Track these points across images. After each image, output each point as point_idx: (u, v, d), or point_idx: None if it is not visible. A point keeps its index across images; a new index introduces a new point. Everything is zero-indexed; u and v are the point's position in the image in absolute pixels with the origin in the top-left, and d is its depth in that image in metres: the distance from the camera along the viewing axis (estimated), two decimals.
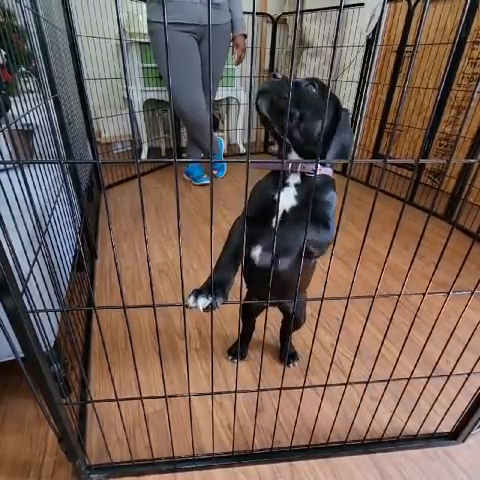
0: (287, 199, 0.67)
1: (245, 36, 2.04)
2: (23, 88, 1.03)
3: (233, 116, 3.02)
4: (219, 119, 2.99)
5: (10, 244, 0.43)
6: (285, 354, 0.98)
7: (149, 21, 1.81)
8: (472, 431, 0.77)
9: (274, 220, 0.67)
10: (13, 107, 0.75)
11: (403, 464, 0.75)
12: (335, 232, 0.68)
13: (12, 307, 0.44)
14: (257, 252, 0.70)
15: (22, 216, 0.58)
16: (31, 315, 0.48)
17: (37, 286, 0.64)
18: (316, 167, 0.41)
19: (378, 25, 2.16)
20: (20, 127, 0.83)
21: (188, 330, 1.09)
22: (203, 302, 0.59)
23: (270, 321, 1.14)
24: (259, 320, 1.13)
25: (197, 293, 0.60)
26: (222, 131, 2.99)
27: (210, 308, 0.59)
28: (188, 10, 1.75)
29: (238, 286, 0.57)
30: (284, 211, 0.67)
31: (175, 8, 1.74)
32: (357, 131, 1.10)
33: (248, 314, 0.97)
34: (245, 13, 2.01)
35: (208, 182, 2.25)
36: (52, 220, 0.84)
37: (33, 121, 0.80)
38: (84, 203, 1.31)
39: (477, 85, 0.41)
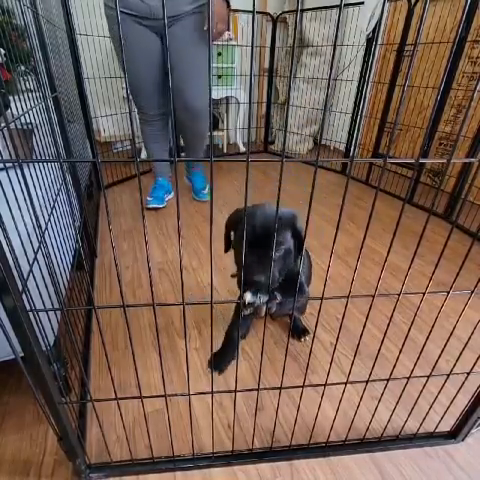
0: None
1: (227, 3, 1.43)
2: (22, 87, 1.03)
3: (233, 115, 3.02)
4: (219, 118, 2.99)
5: (10, 244, 0.43)
6: (296, 330, 1.06)
7: (105, 4, 1.49)
8: (471, 430, 0.77)
9: None
10: (12, 106, 0.75)
11: (403, 463, 0.75)
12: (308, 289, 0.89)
13: (12, 306, 0.44)
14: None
15: (22, 215, 0.58)
16: (31, 314, 0.48)
17: (37, 285, 0.64)
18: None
19: (378, 24, 2.16)
20: (19, 126, 0.83)
21: (188, 329, 1.09)
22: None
23: (270, 321, 1.14)
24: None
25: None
26: (222, 130, 2.99)
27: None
28: (135, 0, 1.41)
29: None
30: None
31: None
32: (357, 130, 1.10)
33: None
34: (245, 12, 1.95)
35: (208, 199, 2.02)
36: (52, 219, 0.84)
37: (33, 120, 0.80)
38: (84, 202, 1.31)
39: (477, 84, 0.41)
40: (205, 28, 1.50)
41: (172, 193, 2.03)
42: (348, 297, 0.53)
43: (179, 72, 1.54)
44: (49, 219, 0.80)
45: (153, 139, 1.87)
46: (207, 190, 2.01)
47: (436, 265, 0.51)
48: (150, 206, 1.86)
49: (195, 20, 1.48)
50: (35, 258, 0.64)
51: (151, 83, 1.62)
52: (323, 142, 2.96)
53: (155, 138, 1.86)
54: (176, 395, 0.62)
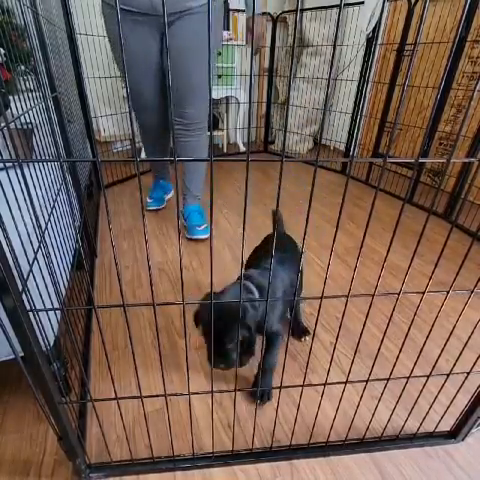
0: None
1: (263, 14, 1.49)
2: (22, 87, 1.03)
3: (233, 115, 3.02)
4: (219, 118, 2.99)
5: (10, 244, 0.43)
6: (296, 329, 1.06)
7: (103, 1, 1.38)
8: (471, 430, 0.77)
9: None
10: (12, 106, 0.75)
11: (403, 463, 0.76)
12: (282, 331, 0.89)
13: (12, 306, 0.44)
14: None
15: (22, 215, 0.58)
16: (31, 314, 0.48)
17: (37, 285, 0.64)
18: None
19: (378, 24, 2.16)
20: (19, 126, 0.83)
21: (188, 329, 1.09)
22: None
23: None
24: None
25: None
26: (222, 130, 2.99)
27: None
28: None
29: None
30: None
31: None
32: (357, 130, 1.10)
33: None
34: (245, 11, 1.95)
35: (204, 237, 1.61)
36: (52, 219, 0.84)
37: (33, 120, 0.80)
38: (84, 202, 1.31)
39: (477, 84, 0.41)
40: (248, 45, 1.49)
41: (172, 192, 2.03)
42: (348, 296, 0.53)
43: (177, 72, 1.46)
44: (49, 219, 0.80)
45: (153, 141, 1.86)
46: (204, 227, 1.62)
47: (436, 264, 0.51)
48: (150, 208, 1.87)
49: (198, 20, 1.38)
50: (35, 258, 0.64)
51: (150, 86, 1.56)
52: (323, 142, 2.96)
53: (155, 140, 1.85)
54: (176, 395, 0.62)
